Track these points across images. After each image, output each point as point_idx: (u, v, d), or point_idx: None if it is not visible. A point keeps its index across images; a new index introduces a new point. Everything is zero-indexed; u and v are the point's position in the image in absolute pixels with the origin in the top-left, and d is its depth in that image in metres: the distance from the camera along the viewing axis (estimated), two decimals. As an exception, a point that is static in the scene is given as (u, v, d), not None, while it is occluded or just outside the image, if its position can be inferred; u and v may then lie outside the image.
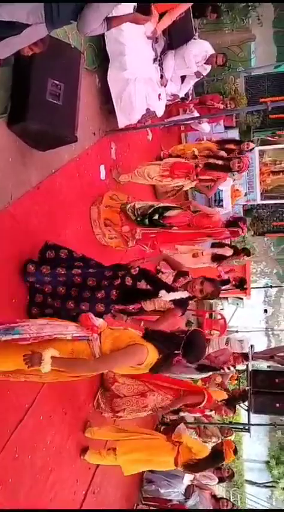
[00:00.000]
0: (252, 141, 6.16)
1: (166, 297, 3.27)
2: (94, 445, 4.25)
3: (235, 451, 4.73)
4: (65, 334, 2.45)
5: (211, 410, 4.75)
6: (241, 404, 6.03)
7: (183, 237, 5.07)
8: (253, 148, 6.45)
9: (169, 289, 3.31)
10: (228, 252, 5.51)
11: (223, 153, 5.54)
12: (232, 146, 5.71)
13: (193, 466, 4.07)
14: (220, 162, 5.31)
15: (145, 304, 3.35)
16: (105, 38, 4.51)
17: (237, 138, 8.16)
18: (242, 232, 5.19)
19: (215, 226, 5.05)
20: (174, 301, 3.30)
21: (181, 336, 2.69)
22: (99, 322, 2.56)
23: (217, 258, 5.51)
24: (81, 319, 2.55)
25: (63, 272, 3.31)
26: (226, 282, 5.78)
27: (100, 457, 4.15)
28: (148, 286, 3.34)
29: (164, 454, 4.09)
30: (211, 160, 5.31)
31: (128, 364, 2.46)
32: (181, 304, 3.33)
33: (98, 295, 3.28)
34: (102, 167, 4.90)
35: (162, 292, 3.27)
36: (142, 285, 3.35)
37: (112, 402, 4.43)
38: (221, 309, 10.35)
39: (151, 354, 2.45)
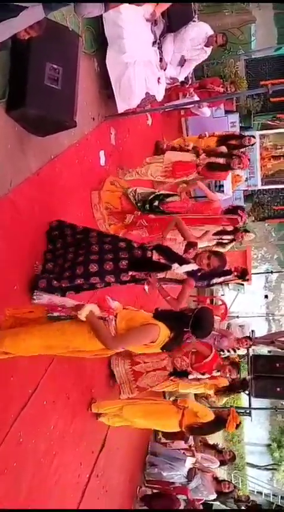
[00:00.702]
0: (253, 136, 6.16)
1: (179, 270, 3.36)
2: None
3: (238, 426, 4.83)
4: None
5: (218, 371, 4.85)
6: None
7: None
8: (254, 143, 6.41)
9: (182, 261, 3.38)
10: (228, 227, 5.50)
11: (223, 148, 5.48)
12: (233, 142, 5.66)
13: (197, 430, 4.26)
14: (221, 161, 5.25)
15: (157, 273, 3.43)
16: (104, 20, 4.44)
17: (237, 122, 8.11)
18: (242, 220, 5.19)
19: (215, 212, 5.04)
20: (187, 273, 3.40)
21: (189, 315, 2.83)
22: (114, 304, 2.71)
23: (218, 233, 5.49)
24: (98, 301, 2.67)
25: (71, 250, 3.42)
26: (228, 272, 5.80)
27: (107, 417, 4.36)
28: (161, 257, 3.38)
29: (169, 417, 4.26)
30: (212, 160, 5.26)
31: (142, 342, 2.63)
32: (193, 275, 3.42)
33: (106, 267, 3.31)
34: (101, 153, 4.87)
35: (175, 266, 3.34)
36: (154, 255, 3.38)
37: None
38: (222, 295, 10.36)
39: (163, 332, 2.62)
